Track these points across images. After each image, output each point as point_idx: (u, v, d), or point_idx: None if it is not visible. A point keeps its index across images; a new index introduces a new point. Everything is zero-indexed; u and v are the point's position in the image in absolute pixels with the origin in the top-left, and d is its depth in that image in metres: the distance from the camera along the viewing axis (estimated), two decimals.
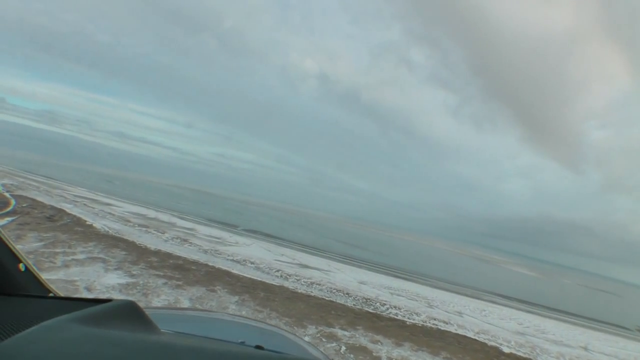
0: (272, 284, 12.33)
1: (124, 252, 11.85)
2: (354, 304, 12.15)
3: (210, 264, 13.15)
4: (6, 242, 1.22)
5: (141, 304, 1.16)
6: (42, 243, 10.76)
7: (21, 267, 1.26)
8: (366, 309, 11.81)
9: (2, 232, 1.23)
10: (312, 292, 12.67)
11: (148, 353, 1.08)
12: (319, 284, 13.99)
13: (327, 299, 12.12)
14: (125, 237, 14.24)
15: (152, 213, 25.20)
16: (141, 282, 9.31)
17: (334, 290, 13.47)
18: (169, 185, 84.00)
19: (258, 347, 1.65)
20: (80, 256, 10.37)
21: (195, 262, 12.79)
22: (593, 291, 67.62)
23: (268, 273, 14.15)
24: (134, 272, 9.99)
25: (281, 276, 14.06)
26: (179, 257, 12.93)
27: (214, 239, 19.32)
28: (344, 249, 33.00)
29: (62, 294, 1.38)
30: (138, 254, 12.11)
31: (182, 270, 11.26)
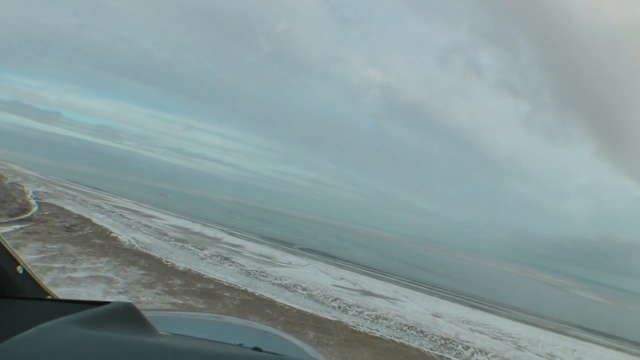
0: (326, 319, 10.12)
1: (141, 272, 10.19)
2: (431, 348, 9.80)
3: (249, 289, 11.11)
4: (4, 244, 1.29)
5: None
6: (41, 256, 9.41)
7: (19, 269, 1.33)
8: (447, 356, 9.49)
9: (0, 235, 1.29)
10: (377, 330, 10.34)
11: (146, 355, 1.09)
12: (386, 318, 11.71)
13: (397, 340, 9.81)
14: (152, 253, 12.75)
15: (197, 227, 24.18)
16: None
17: (405, 328, 11.15)
18: (225, 201, 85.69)
19: (256, 348, 1.69)
20: (81, 274, 8.80)
21: (230, 287, 10.82)
22: None
23: (323, 303, 11.96)
24: (143, 299, 8.17)
25: (339, 307, 11.88)
26: (210, 280, 11.05)
27: (262, 258, 17.44)
28: (409, 272, 31.29)
29: (60, 296, 1.45)
30: (159, 274, 10.40)
31: (210, 298, 9.29)
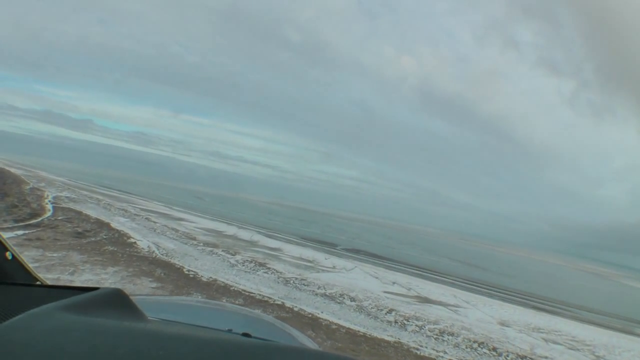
0: (382, 340, 8.46)
1: (154, 284, 8.75)
2: None
3: (287, 303, 9.44)
4: None
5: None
6: (35, 265, 8.05)
7: (8, 255, 1.33)
8: None
9: None
10: (445, 352, 8.66)
11: (135, 341, 1.09)
12: (451, 333, 10.10)
13: None
14: (173, 261, 11.36)
15: (231, 230, 22.95)
16: None
17: (475, 345, 9.54)
18: (264, 202, 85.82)
19: (245, 334, 1.69)
20: None
21: (263, 301, 9.20)
22: None
23: (376, 317, 10.21)
24: None
25: (395, 322, 10.13)
26: (239, 293, 9.46)
27: (303, 263, 15.79)
28: (461, 270, 29.70)
29: (49, 282, 1.49)
30: (176, 287, 8.93)
31: None
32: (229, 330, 1.88)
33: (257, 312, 3.10)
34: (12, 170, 32.56)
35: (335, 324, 8.70)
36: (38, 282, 1.42)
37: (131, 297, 1.23)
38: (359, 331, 8.66)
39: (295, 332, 2.51)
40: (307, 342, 2.42)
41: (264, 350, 1.07)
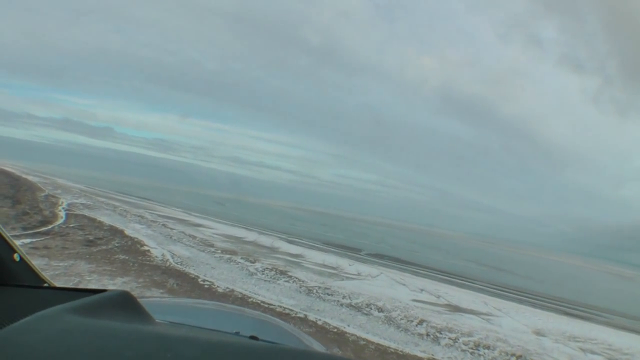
0: (415, 356, 7.76)
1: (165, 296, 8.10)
2: None
3: (310, 315, 8.72)
4: (0, 232, 1.31)
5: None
6: None
7: (15, 257, 1.35)
8: None
9: None
10: None
11: (143, 343, 1.11)
12: (487, 346, 9.25)
13: None
14: (188, 270, 10.77)
15: (251, 236, 22.44)
16: None
17: (512, 358, 8.83)
18: (287, 208, 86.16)
19: (252, 337, 1.71)
20: None
21: (284, 314, 8.53)
22: None
23: (406, 329, 9.37)
24: None
25: (427, 334, 9.30)
26: (258, 305, 8.80)
27: (326, 270, 15.05)
28: (488, 275, 29.10)
29: (56, 284, 1.50)
30: (190, 299, 8.26)
31: None
32: (237, 333, 1.87)
33: (265, 314, 3.06)
34: (29, 177, 32.93)
35: (364, 339, 7.94)
36: (46, 284, 1.43)
37: (138, 300, 1.24)
38: (389, 347, 7.89)
39: (303, 335, 2.51)
40: (315, 345, 2.42)
41: (272, 353, 1.07)
